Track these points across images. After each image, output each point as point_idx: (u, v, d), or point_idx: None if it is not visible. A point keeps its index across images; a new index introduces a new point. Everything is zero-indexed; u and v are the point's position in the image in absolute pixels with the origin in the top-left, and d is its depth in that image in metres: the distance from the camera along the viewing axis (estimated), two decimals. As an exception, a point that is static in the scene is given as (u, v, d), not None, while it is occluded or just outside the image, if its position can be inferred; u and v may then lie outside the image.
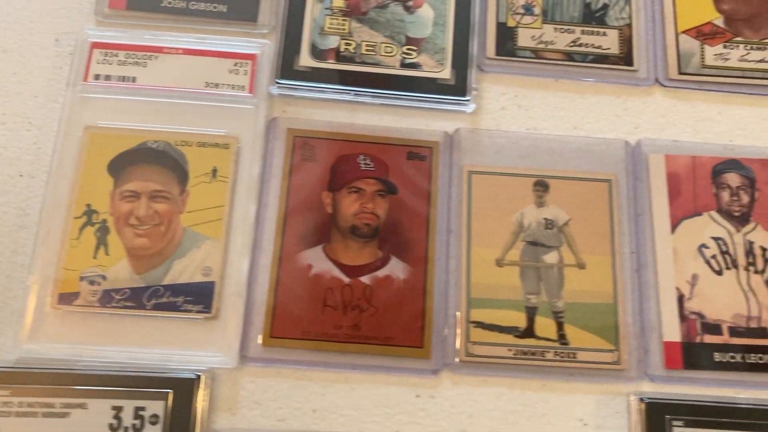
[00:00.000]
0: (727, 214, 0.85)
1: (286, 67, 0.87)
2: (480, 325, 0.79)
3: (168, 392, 0.74)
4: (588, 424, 0.77)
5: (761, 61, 0.91)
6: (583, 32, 0.92)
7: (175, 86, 0.85)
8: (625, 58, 0.91)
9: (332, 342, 0.78)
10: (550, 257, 0.83)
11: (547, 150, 0.87)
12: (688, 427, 0.76)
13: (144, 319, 0.77)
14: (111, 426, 0.72)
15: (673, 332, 0.80)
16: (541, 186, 0.85)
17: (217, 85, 0.86)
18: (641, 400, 0.77)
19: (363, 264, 0.81)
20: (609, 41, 0.91)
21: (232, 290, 0.78)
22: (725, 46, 0.92)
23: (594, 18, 0.92)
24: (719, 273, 0.83)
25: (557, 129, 0.88)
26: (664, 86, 0.90)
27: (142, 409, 0.73)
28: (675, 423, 0.76)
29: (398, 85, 0.87)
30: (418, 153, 0.85)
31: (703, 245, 0.84)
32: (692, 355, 0.80)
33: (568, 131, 0.88)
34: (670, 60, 0.91)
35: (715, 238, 0.84)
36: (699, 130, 0.89)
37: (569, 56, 0.91)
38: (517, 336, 0.79)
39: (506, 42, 0.91)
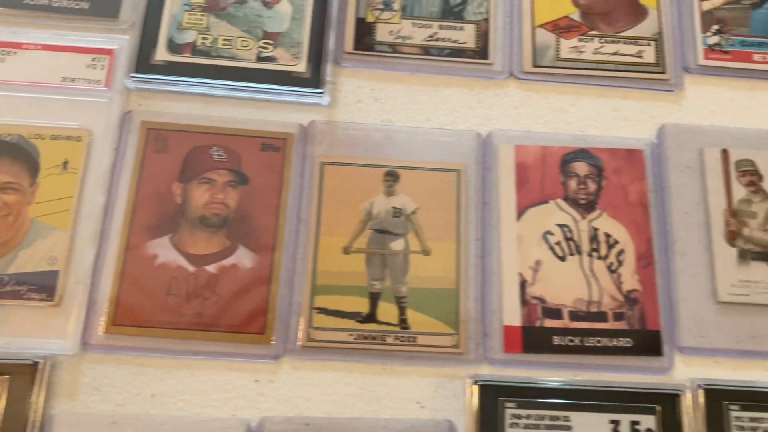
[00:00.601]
0: (574, 202, 0.87)
1: (143, 62, 0.88)
2: (323, 311, 0.81)
3: (6, 378, 0.75)
4: (425, 407, 0.78)
5: (615, 53, 0.94)
6: (440, 27, 0.94)
7: (33, 81, 0.87)
8: (481, 52, 0.93)
9: (174, 329, 0.79)
10: (397, 244, 0.84)
11: (399, 142, 0.88)
12: (521, 408, 0.77)
13: (-13, 307, 0.78)
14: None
15: (513, 317, 0.82)
16: (391, 176, 0.86)
17: (73, 80, 0.87)
18: (475, 382, 0.78)
19: (210, 253, 0.82)
20: (466, 36, 0.93)
21: (76, 279, 0.79)
22: (580, 40, 0.94)
23: (452, 13, 0.95)
24: (563, 259, 0.84)
25: (411, 121, 0.90)
26: (519, 79, 0.92)
27: (-21, 395, 0.74)
28: (508, 405, 0.77)
29: (253, 78, 0.88)
30: (271, 144, 0.87)
31: (548, 232, 0.85)
32: (531, 338, 0.81)
33: (422, 123, 0.90)
34: (525, 53, 0.93)
35: (561, 225, 0.86)
36: (551, 121, 0.91)
37: (426, 50, 0.92)
38: (359, 321, 0.81)
39: (364, 37, 0.93)
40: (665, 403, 0.78)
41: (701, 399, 0.79)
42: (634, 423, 0.77)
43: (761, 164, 0.89)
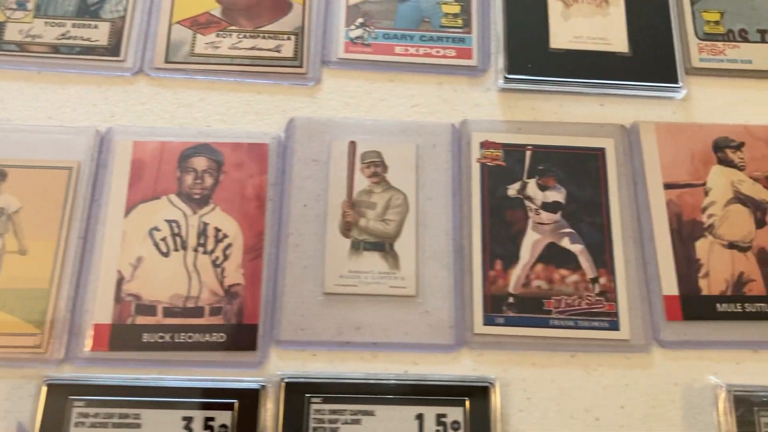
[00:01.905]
0: (187, 197, 0.85)
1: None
2: None
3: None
4: (-3, 410, 0.76)
5: (252, 48, 0.93)
6: (74, 26, 0.92)
7: None
8: (113, 49, 0.91)
9: None
10: (-6, 245, 0.82)
11: (13, 141, 0.86)
12: (90, 407, 0.75)
13: None
14: None
15: (104, 315, 0.80)
16: (-2, 175, 0.84)
17: None
18: (45, 383, 0.76)
19: None
20: (99, 33, 0.92)
21: None
22: (218, 35, 0.93)
23: (89, 11, 0.93)
24: (166, 255, 0.83)
25: (32, 119, 0.88)
26: (149, 75, 0.91)
27: None
28: (76, 404, 0.75)
29: None
30: None
31: (155, 228, 0.84)
32: (120, 336, 0.79)
33: (43, 121, 0.88)
34: (158, 50, 0.92)
35: (169, 221, 0.84)
36: (178, 117, 0.89)
37: (56, 49, 0.91)
38: (-62, 324, 0.78)
39: (-7, 36, 0.91)
40: (244, 399, 0.76)
41: (283, 392, 0.77)
42: (208, 419, 0.75)
43: (388, 156, 0.88)
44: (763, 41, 0.97)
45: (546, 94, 0.93)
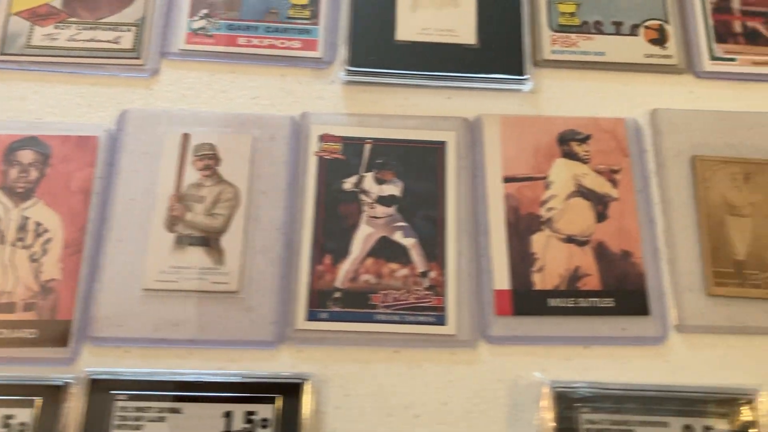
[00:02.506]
0: (10, 191, 0.84)
1: None
2: None
3: None
4: None
5: (91, 40, 0.91)
6: None
7: None
8: (-55, 40, 0.90)
9: None
10: None
11: None
12: None
13: None
14: None
15: None
16: None
17: None
18: None
19: None
20: (-67, 25, 0.90)
21: None
22: (57, 27, 0.91)
23: (-76, 2, 0.92)
24: (-16, 249, 0.81)
25: None
26: (-19, 68, 0.89)
27: None
28: None
29: None
30: None
31: (-27, 222, 0.82)
32: (-74, 332, 0.77)
33: None
34: (-7, 41, 0.90)
35: (-11, 215, 0.82)
36: (8, 110, 0.88)
37: None
38: None
39: None
40: (48, 396, 0.74)
41: (87, 389, 0.75)
42: (7, 416, 0.73)
43: (223, 148, 0.87)
44: (617, 33, 0.96)
45: (391, 87, 0.91)
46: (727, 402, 0.78)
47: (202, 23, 0.92)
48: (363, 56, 0.91)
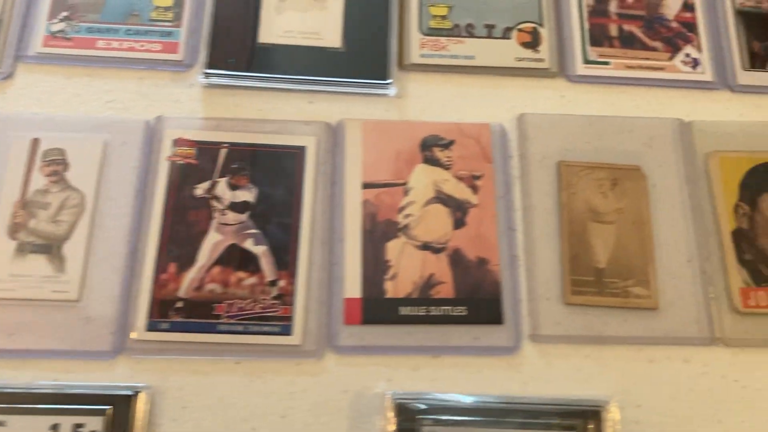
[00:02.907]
0: None
1: None
2: None
3: None
4: None
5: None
6: None
7: None
8: None
9: None
10: None
11: None
12: None
13: None
14: None
15: None
16: None
17: None
18: None
19: None
20: None
21: None
22: None
23: None
24: None
25: None
26: None
27: None
28: None
29: None
30: None
31: None
32: None
33: None
34: None
35: None
36: None
37: None
38: None
39: None
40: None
41: None
42: None
43: (72, 154, 0.85)
44: (489, 36, 0.94)
45: (251, 90, 0.90)
46: (575, 414, 0.76)
47: (61, 26, 0.90)
48: (222, 59, 0.89)
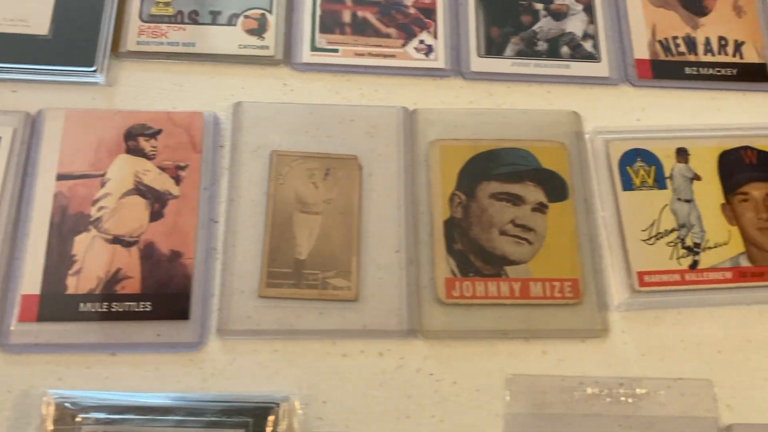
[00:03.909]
0: None
1: None
2: None
3: None
4: None
5: None
6: None
7: None
8: None
9: None
10: None
11: None
12: None
13: None
14: None
15: None
16: None
17: None
18: None
19: None
20: None
21: None
22: None
23: None
24: None
25: None
26: None
27: None
28: None
29: None
30: None
31: None
32: None
33: None
34: None
35: None
36: None
37: None
38: None
39: None
40: None
41: None
42: None
43: None
44: (214, 23, 0.91)
45: (-50, 78, 0.86)
46: (246, 411, 0.74)
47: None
48: None
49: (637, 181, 0.86)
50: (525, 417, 0.77)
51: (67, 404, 0.72)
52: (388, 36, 0.93)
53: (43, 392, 0.74)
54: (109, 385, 0.75)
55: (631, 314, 0.82)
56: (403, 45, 0.92)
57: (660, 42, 0.95)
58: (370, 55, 0.91)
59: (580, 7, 0.96)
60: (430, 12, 0.94)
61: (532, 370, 0.79)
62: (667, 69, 0.94)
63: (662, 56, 0.94)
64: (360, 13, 0.94)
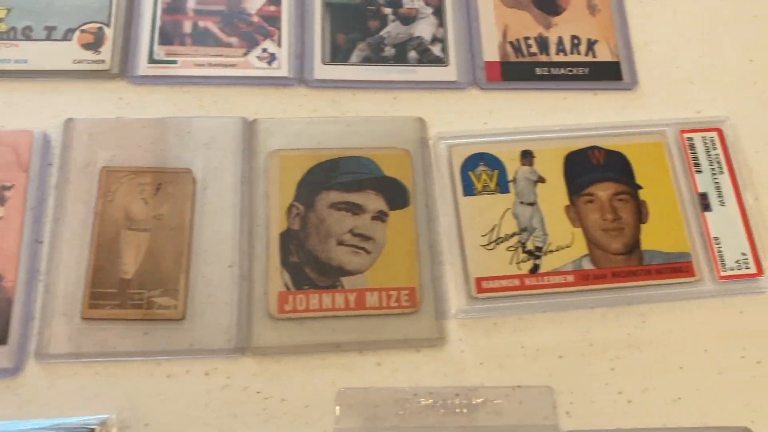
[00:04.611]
0: None
1: None
2: None
3: None
4: None
5: None
6: None
7: None
8: None
9: None
10: None
11: None
12: None
13: None
14: None
15: None
16: None
17: None
18: None
19: None
20: None
21: None
22: None
23: None
24: None
25: None
26: None
27: None
28: None
29: None
30: None
31: None
32: None
33: None
34: None
35: None
36: None
37: None
38: None
39: None
40: None
41: None
42: None
43: None
44: (49, 39, 0.89)
45: None
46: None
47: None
48: None
49: (478, 186, 0.85)
50: (355, 431, 0.75)
51: None
52: (229, 45, 0.91)
53: None
54: None
55: (470, 322, 0.80)
56: (245, 54, 0.90)
57: (511, 43, 0.94)
58: (210, 65, 0.89)
59: (429, 10, 0.95)
60: (274, 20, 0.93)
61: (365, 383, 0.77)
62: (517, 71, 0.92)
63: (513, 58, 0.93)
64: (201, 23, 0.92)
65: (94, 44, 0.89)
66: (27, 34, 0.89)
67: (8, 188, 0.82)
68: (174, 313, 0.78)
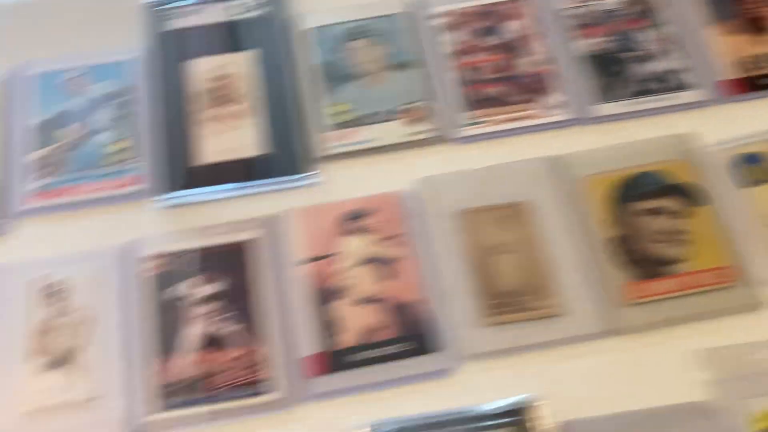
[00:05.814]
0: None
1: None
2: None
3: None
4: None
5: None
6: None
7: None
8: None
9: None
10: None
11: None
12: None
13: None
14: None
15: None
16: None
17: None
18: None
19: None
20: None
21: None
22: None
23: None
24: None
25: None
26: None
27: None
28: None
29: None
30: None
31: None
32: None
33: None
34: None
35: None
36: None
37: None
38: None
39: None
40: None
41: None
42: None
43: (72, 283, 1.04)
44: (386, 120, 1.15)
45: (200, 204, 1.10)
46: (509, 413, 0.94)
47: (41, 183, 1.11)
48: (172, 183, 1.10)
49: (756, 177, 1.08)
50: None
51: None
52: (520, 102, 1.16)
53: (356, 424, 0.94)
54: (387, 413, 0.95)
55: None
56: (535, 106, 1.15)
57: (740, 63, 1.17)
58: (511, 120, 1.14)
59: (659, 48, 1.19)
60: (548, 76, 1.18)
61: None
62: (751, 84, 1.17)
63: (744, 74, 1.17)
64: (493, 89, 1.17)
65: (420, 119, 1.15)
66: (371, 119, 1.15)
67: (398, 236, 1.06)
68: (553, 311, 1.01)
